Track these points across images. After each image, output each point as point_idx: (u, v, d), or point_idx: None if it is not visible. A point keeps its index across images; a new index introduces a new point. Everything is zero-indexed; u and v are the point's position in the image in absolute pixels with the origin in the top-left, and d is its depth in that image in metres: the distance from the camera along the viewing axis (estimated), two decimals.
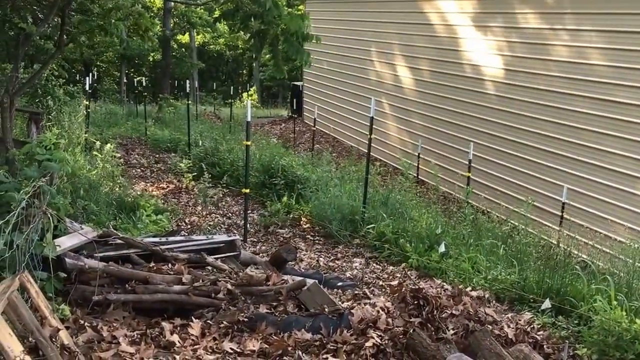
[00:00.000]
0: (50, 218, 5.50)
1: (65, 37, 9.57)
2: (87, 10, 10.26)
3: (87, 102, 16.18)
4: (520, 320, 6.34)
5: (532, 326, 6.19)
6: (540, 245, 9.49)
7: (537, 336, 5.92)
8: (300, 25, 8.86)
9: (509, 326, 5.92)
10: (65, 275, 5.60)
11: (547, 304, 6.90)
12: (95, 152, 11.16)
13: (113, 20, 10.18)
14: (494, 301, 7.30)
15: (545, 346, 5.80)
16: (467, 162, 12.93)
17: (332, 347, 5.36)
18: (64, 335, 4.36)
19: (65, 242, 5.90)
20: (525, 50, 12.96)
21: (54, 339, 4.08)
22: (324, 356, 5.22)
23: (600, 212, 11.11)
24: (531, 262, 8.45)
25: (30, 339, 3.84)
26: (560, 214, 11.22)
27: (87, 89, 17.09)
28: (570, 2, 11.93)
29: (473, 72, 14.48)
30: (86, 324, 5.12)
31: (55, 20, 10.43)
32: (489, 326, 5.74)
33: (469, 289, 7.23)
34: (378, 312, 5.84)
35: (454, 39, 15.15)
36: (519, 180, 13.03)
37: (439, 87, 15.68)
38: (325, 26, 22.10)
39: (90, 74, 22.69)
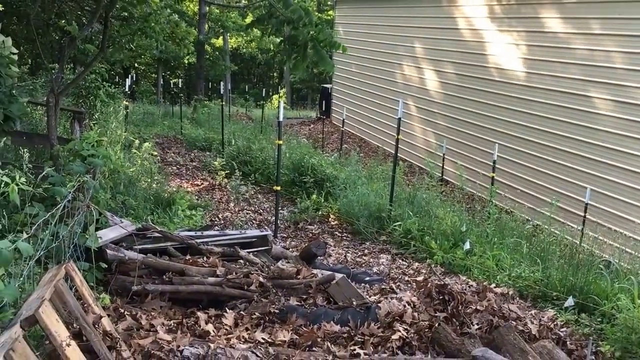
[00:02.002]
0: (93, 211, 5.57)
1: (107, 40, 9.67)
2: (128, 16, 10.38)
3: (127, 103, 16.31)
4: (543, 316, 6.29)
5: (555, 323, 6.14)
6: (563, 244, 9.40)
7: (560, 333, 5.88)
8: (329, 34, 8.89)
9: (532, 322, 5.88)
10: (106, 266, 5.67)
11: (570, 301, 6.85)
12: (134, 150, 11.26)
13: (152, 24, 10.30)
14: (517, 298, 7.25)
15: (568, 342, 5.76)
16: (492, 163, 12.85)
17: (359, 339, 5.37)
18: (106, 322, 4.41)
19: (107, 235, 5.97)
20: (549, 54, 12.84)
21: (97, 326, 4.12)
22: (352, 347, 5.23)
23: (623, 213, 10.97)
24: (554, 261, 8.39)
25: (74, 325, 3.88)
26: (583, 214, 11.11)
27: (127, 90, 17.23)
28: (593, 8, 11.80)
29: (497, 75, 14.38)
30: (126, 312, 5.18)
31: (99, 25, 10.55)
32: (512, 322, 5.71)
33: (493, 285, 7.21)
34: (404, 306, 5.84)
35: (479, 42, 15.07)
36: (542, 181, 12.93)
37: (464, 90, 15.61)
38: (353, 30, 22.10)
39: (130, 76, 22.87)
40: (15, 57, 6.12)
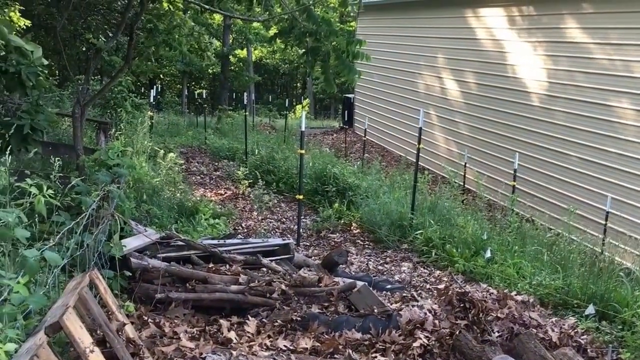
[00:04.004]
0: (117, 220, 5.61)
1: (132, 52, 9.77)
2: (153, 28, 10.48)
3: (152, 113, 16.43)
4: (564, 324, 6.23)
5: (576, 330, 6.07)
6: (584, 252, 9.31)
7: (580, 340, 5.81)
8: (358, 44, 8.91)
9: (553, 330, 5.82)
10: (130, 274, 5.70)
11: (590, 309, 6.79)
12: (159, 160, 11.33)
13: (177, 36, 10.39)
14: (538, 305, 7.17)
15: (588, 350, 5.69)
16: (512, 172, 12.78)
17: (381, 347, 5.35)
18: (130, 330, 4.43)
19: (131, 243, 6.01)
20: (569, 64, 12.76)
21: (120, 333, 4.15)
22: (373, 355, 5.21)
23: None
24: (575, 269, 8.31)
25: (98, 332, 3.91)
26: (604, 222, 11.00)
27: (152, 101, 17.36)
28: (614, 18, 11.72)
29: (518, 84, 14.31)
30: (149, 320, 5.20)
31: (124, 36, 10.67)
32: (533, 330, 5.66)
33: (514, 293, 7.14)
34: (425, 314, 5.81)
35: (500, 52, 15.02)
36: (563, 190, 12.82)
37: (485, 99, 15.54)
38: (376, 41, 22.10)
39: (155, 87, 23.03)
40: (45, 71, 6.19)
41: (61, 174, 5.35)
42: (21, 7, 11.08)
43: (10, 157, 4.66)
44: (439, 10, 18.09)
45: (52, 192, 4.25)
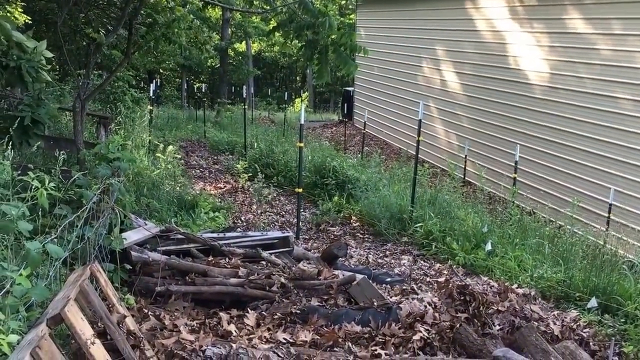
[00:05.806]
0: (118, 214, 5.63)
1: (132, 46, 9.77)
2: (152, 22, 10.48)
3: (151, 107, 16.44)
4: (566, 317, 6.24)
5: (578, 323, 6.09)
6: (586, 245, 9.32)
7: (583, 333, 5.83)
8: (350, 37, 8.94)
9: (554, 323, 5.84)
10: (131, 267, 5.72)
11: (593, 302, 6.80)
12: (158, 154, 11.35)
13: (176, 30, 10.39)
14: (539, 299, 7.19)
15: (591, 343, 5.70)
16: (513, 164, 12.79)
17: (380, 340, 5.37)
18: (130, 322, 4.46)
19: (131, 236, 6.03)
20: (571, 55, 12.74)
21: (120, 325, 4.17)
22: (373, 348, 5.23)
23: None
24: (577, 261, 8.32)
25: (99, 324, 3.93)
26: (606, 215, 11.00)
27: (151, 95, 17.36)
28: (616, 8, 11.70)
29: (519, 76, 14.30)
30: (149, 312, 5.22)
31: (124, 31, 10.67)
32: (534, 323, 5.68)
33: (515, 286, 7.17)
34: (425, 307, 5.84)
35: (500, 44, 15.00)
36: (565, 182, 12.82)
37: (485, 91, 15.54)
38: (375, 33, 22.11)
39: (154, 81, 23.01)
40: (48, 66, 6.20)
41: (63, 168, 5.37)
42: (22, 3, 11.13)
43: (12, 151, 4.68)
44: (438, 2, 18.07)
45: (54, 185, 4.27)
